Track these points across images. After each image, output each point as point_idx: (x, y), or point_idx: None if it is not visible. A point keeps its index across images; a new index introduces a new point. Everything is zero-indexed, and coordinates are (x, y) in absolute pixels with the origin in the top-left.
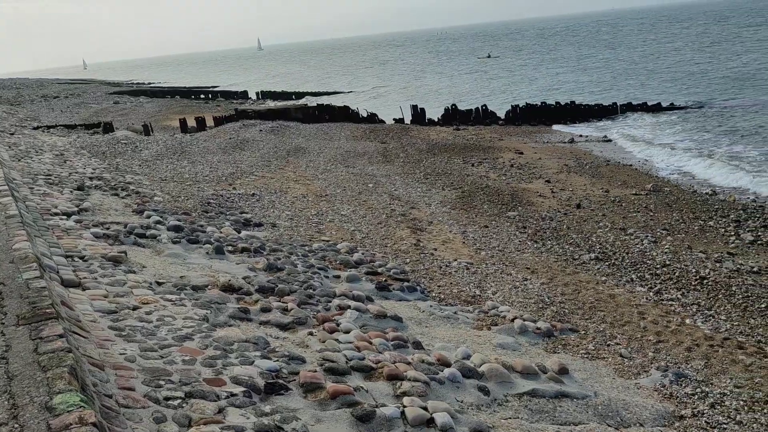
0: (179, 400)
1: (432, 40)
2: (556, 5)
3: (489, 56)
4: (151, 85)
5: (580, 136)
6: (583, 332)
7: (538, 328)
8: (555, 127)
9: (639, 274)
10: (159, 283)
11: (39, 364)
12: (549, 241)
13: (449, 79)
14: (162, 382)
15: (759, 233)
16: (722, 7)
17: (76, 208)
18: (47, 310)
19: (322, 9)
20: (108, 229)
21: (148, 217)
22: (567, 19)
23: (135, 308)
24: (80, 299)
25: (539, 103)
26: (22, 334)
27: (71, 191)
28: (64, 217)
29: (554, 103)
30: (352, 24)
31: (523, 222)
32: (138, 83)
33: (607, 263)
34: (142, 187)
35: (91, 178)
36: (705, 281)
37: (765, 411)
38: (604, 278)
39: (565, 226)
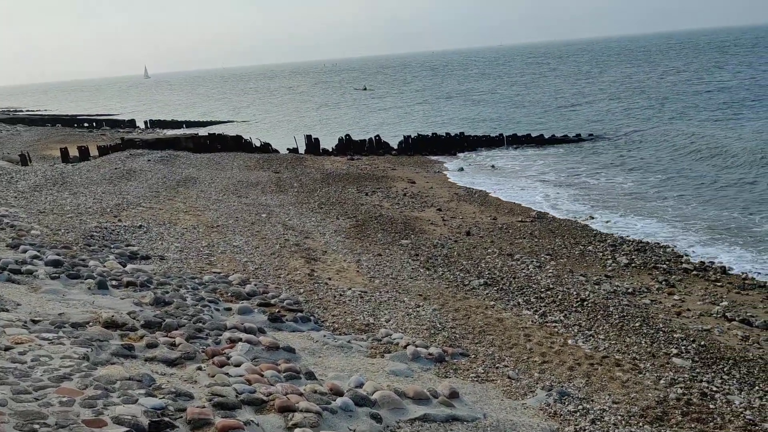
0: None
1: (319, 72)
2: (453, 41)
3: (365, 88)
4: (30, 113)
5: (470, 165)
6: (474, 356)
7: (430, 354)
8: (445, 157)
9: (525, 298)
10: (35, 321)
11: None
12: (440, 268)
13: (332, 110)
14: (36, 426)
15: (633, 257)
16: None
17: None
18: None
19: (210, 38)
20: None
21: (24, 251)
22: (457, 53)
23: (7, 348)
24: None
25: (430, 134)
26: None
27: None
28: None
29: (445, 134)
30: (241, 53)
31: (415, 249)
32: (15, 110)
33: (495, 288)
34: (18, 220)
35: None
36: (585, 303)
37: (640, 424)
38: (492, 303)
39: (455, 253)
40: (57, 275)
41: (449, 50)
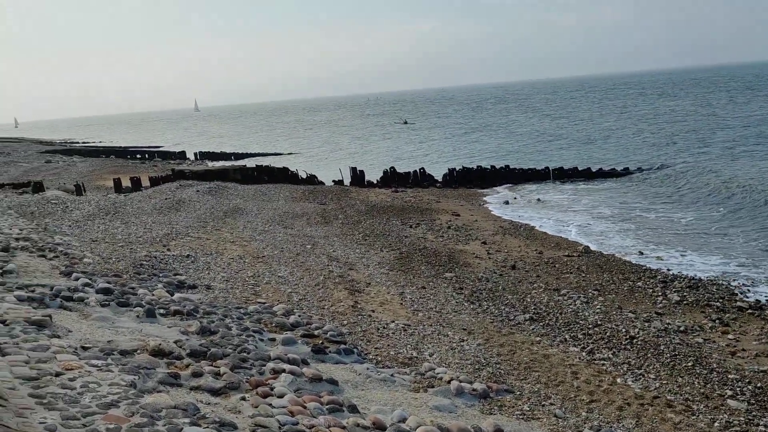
0: None
1: (362, 105)
2: (487, 74)
3: (405, 122)
4: (86, 145)
5: (515, 199)
6: (519, 393)
7: (474, 390)
8: (490, 189)
9: (572, 334)
10: (85, 348)
11: None
12: (485, 302)
13: (374, 143)
14: None
15: (684, 293)
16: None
17: None
18: None
19: (259, 72)
20: (33, 291)
21: (77, 279)
22: (500, 86)
23: (58, 374)
24: None
25: (475, 167)
26: None
27: None
28: None
29: (489, 167)
30: (289, 87)
31: (459, 283)
32: (71, 142)
33: (541, 323)
34: (72, 248)
35: (17, 239)
36: (635, 340)
37: None
38: (538, 338)
39: (500, 287)
40: (107, 303)
41: (490, 83)
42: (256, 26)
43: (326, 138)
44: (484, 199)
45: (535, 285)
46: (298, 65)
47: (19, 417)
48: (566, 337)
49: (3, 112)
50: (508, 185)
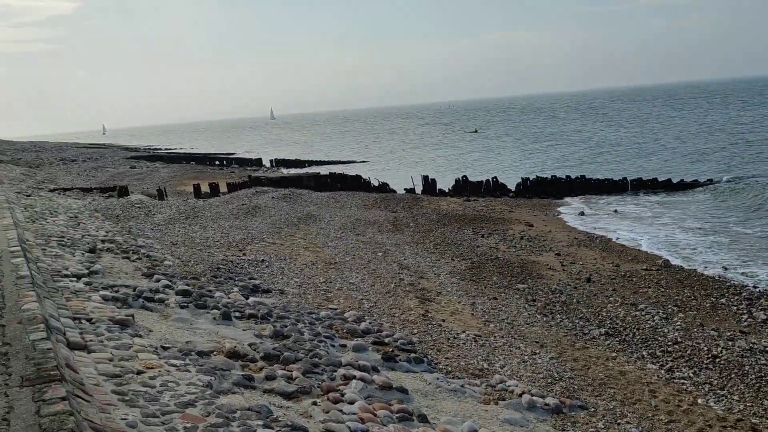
0: None
1: (434, 113)
2: (562, 81)
3: (476, 131)
4: (168, 151)
5: (591, 210)
6: (593, 409)
7: (546, 404)
8: (565, 200)
9: (650, 351)
10: (165, 348)
11: (40, 427)
12: (558, 315)
13: (445, 151)
14: None
15: None
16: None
17: (86, 271)
18: (51, 372)
19: (334, 81)
20: (117, 292)
21: (158, 281)
22: (574, 95)
23: (139, 372)
24: (85, 362)
25: (549, 176)
26: (25, 396)
27: (83, 253)
28: (74, 279)
29: (564, 177)
30: (363, 96)
31: (532, 295)
32: (155, 149)
33: (617, 339)
34: (153, 250)
35: (103, 241)
36: (717, 360)
37: None
38: (614, 354)
39: (574, 300)
40: (186, 304)
41: (565, 92)
42: (331, 38)
43: (396, 146)
44: (559, 209)
45: (611, 299)
46: (370, 75)
47: (103, 413)
48: (644, 353)
49: (93, 120)
50: (584, 196)
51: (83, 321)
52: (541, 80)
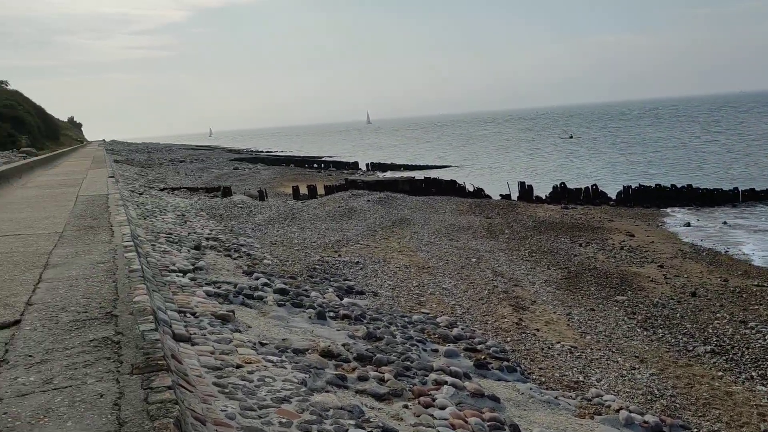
0: None
1: (530, 119)
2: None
3: (571, 137)
4: (269, 153)
5: (698, 221)
6: (696, 430)
7: (645, 422)
8: (670, 210)
9: (760, 372)
10: (262, 344)
11: (147, 413)
12: (660, 330)
13: (540, 157)
14: None
15: None
16: None
17: (191, 267)
18: (159, 362)
19: (430, 85)
20: (219, 288)
21: (257, 278)
22: (679, 101)
23: (238, 366)
24: (188, 354)
25: (653, 185)
26: (134, 383)
27: (189, 250)
28: (180, 274)
29: (670, 186)
30: (459, 100)
31: (632, 307)
32: (256, 151)
33: (724, 357)
34: (253, 249)
35: (207, 239)
36: None
37: None
38: (720, 373)
39: (678, 315)
40: (283, 303)
41: (671, 97)
42: (427, 42)
43: (492, 151)
44: (663, 219)
45: (718, 315)
46: (466, 79)
47: (204, 403)
48: (753, 374)
49: (200, 122)
50: (691, 206)
51: (188, 315)
52: (641, 85)
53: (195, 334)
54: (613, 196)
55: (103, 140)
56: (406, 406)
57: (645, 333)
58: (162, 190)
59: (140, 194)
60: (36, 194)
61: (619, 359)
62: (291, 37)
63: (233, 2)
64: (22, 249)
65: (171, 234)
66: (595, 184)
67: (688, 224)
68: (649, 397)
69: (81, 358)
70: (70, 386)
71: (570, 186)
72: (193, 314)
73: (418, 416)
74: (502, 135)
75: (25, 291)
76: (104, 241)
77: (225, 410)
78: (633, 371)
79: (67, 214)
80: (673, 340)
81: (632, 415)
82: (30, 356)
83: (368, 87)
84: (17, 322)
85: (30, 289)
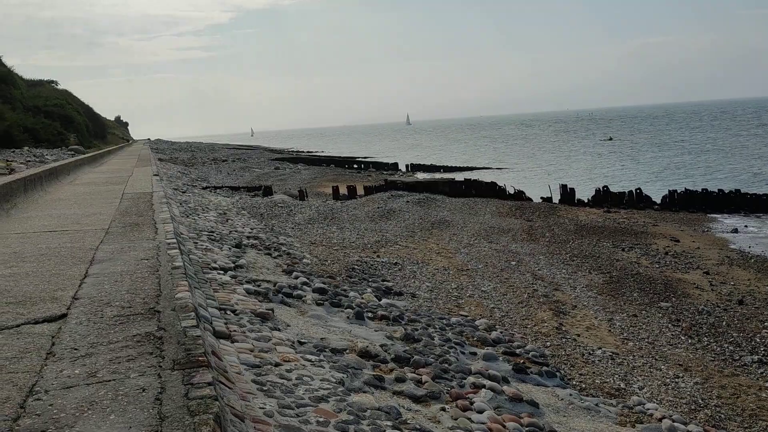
0: None
1: (571, 121)
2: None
3: (610, 139)
4: (309, 153)
5: (746, 227)
6: None
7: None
8: (717, 215)
9: None
10: (301, 343)
11: (188, 409)
12: (705, 338)
13: (580, 160)
14: None
15: None
16: None
17: (232, 265)
18: (200, 358)
19: (470, 86)
20: (259, 286)
21: (296, 277)
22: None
23: (277, 365)
24: (228, 351)
25: (699, 189)
26: (176, 378)
27: (230, 248)
28: (221, 271)
29: (717, 191)
30: (499, 102)
31: (676, 314)
32: (297, 151)
33: None
34: (293, 248)
35: (248, 237)
36: None
37: None
38: None
39: (724, 323)
40: (321, 302)
41: (715, 100)
42: (467, 43)
43: (532, 153)
44: (709, 225)
45: (766, 324)
46: (506, 80)
47: (243, 400)
48: None
49: (243, 122)
50: (739, 211)
51: (228, 312)
52: (685, 88)
53: (235, 331)
54: (658, 201)
55: (148, 139)
56: (443, 409)
57: (689, 341)
58: (204, 188)
59: (183, 192)
60: (84, 191)
61: (662, 367)
62: (332, 38)
63: (276, 3)
64: (69, 245)
65: (213, 232)
66: (639, 188)
67: (736, 230)
68: (692, 407)
69: (124, 353)
70: (114, 380)
71: (612, 190)
72: (234, 311)
73: (456, 419)
74: (543, 137)
75: (72, 285)
76: (148, 238)
77: (263, 408)
78: (676, 380)
79: (113, 211)
80: (718, 349)
81: (675, 424)
82: (75, 349)
83: (408, 88)
84: (64, 316)
85: (76, 283)
